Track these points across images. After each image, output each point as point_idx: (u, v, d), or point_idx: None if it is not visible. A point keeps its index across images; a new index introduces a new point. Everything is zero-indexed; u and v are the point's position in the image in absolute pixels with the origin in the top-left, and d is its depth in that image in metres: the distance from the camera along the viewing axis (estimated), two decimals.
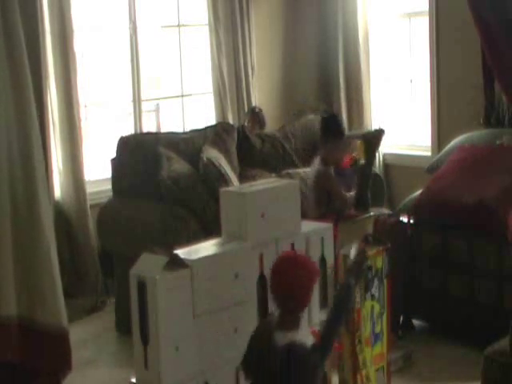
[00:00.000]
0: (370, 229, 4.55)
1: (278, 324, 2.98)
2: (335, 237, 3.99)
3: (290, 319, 2.97)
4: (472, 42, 5.63)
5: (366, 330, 3.83)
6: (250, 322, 3.55)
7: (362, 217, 4.71)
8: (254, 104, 6.56)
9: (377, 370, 3.97)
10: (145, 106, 6.34)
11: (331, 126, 4.93)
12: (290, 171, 5.52)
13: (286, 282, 2.97)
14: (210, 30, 6.37)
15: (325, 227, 3.93)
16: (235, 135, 5.82)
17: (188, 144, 5.47)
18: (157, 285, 3.17)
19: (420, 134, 6.77)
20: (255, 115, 6.32)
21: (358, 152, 4.94)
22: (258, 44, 6.63)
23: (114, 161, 5.41)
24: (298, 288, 2.96)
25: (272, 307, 3.27)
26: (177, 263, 3.27)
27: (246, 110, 6.49)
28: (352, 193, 4.79)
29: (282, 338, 2.91)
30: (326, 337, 2.96)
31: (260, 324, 3.22)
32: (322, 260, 3.81)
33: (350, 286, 3.11)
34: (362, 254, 3.47)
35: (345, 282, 3.17)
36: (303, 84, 7.00)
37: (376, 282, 3.92)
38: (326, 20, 6.95)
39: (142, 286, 3.22)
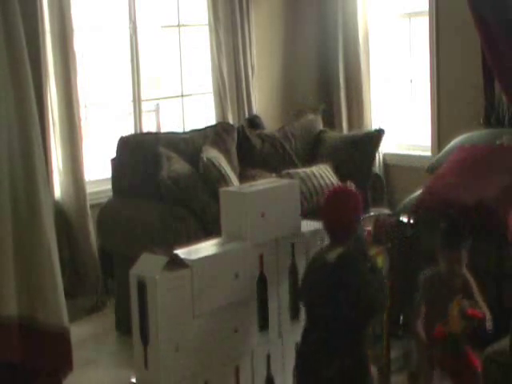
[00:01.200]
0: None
1: (328, 248, 3.40)
2: None
3: (339, 245, 3.37)
4: (472, 41, 5.63)
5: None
6: (250, 321, 3.56)
7: (362, 217, 4.71)
8: (253, 104, 6.57)
9: (377, 370, 3.97)
10: (145, 106, 6.33)
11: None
12: (290, 171, 5.52)
13: (336, 213, 3.42)
14: (210, 30, 6.37)
15: None
16: (235, 135, 5.83)
17: (188, 144, 5.47)
18: (157, 285, 3.17)
19: (420, 134, 6.77)
20: (251, 123, 6.30)
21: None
22: (257, 44, 6.63)
23: (114, 161, 5.41)
24: (346, 218, 3.41)
25: (272, 304, 3.62)
26: (177, 263, 3.27)
27: (247, 115, 6.51)
28: None
29: (333, 255, 3.34)
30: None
31: (313, 256, 3.55)
32: None
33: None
34: None
35: None
36: (303, 84, 7.00)
37: None
38: (326, 20, 6.95)
39: (141, 286, 3.22)
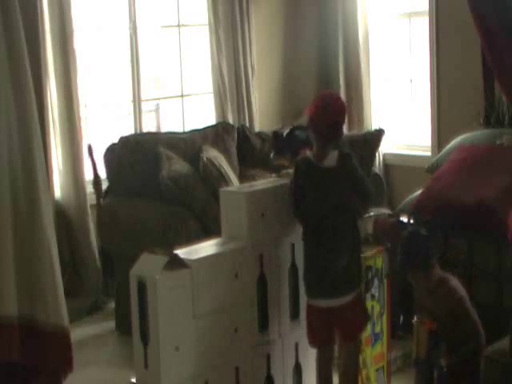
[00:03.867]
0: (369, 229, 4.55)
1: (319, 157, 3.58)
2: None
3: (328, 148, 3.57)
4: (472, 42, 5.63)
5: (366, 330, 3.83)
6: (250, 321, 3.55)
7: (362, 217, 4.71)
8: (253, 104, 6.57)
9: (377, 370, 3.98)
10: (145, 106, 6.33)
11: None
12: (290, 171, 5.51)
13: (334, 111, 3.59)
14: (210, 30, 6.37)
15: None
16: (235, 135, 5.83)
17: (188, 144, 5.47)
18: (157, 285, 3.17)
19: (420, 134, 6.76)
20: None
21: None
22: (257, 44, 6.63)
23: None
24: (342, 116, 3.64)
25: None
26: (177, 263, 3.27)
27: (247, 115, 6.51)
28: None
29: (330, 161, 3.56)
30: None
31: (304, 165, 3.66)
32: None
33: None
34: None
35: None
36: (303, 84, 7.00)
37: (376, 282, 3.93)
38: (326, 20, 6.95)
39: (142, 286, 3.22)
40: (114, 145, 5.42)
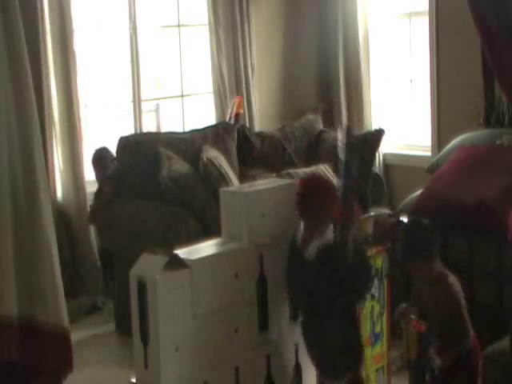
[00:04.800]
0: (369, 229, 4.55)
1: (304, 240, 3.42)
2: None
3: (313, 233, 3.39)
4: (472, 42, 5.63)
5: (365, 330, 3.83)
6: (250, 322, 3.55)
7: (362, 217, 4.70)
8: (253, 104, 6.57)
9: (377, 370, 3.97)
10: (145, 106, 6.34)
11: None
12: (290, 171, 5.52)
13: (308, 200, 3.44)
14: (210, 30, 6.37)
15: None
16: (235, 135, 5.83)
17: (188, 144, 5.47)
18: (157, 285, 3.17)
19: (420, 134, 6.77)
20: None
21: None
22: (257, 44, 6.63)
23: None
24: (326, 201, 3.42)
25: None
26: (177, 263, 3.27)
27: (247, 115, 6.51)
28: None
29: (311, 250, 3.35)
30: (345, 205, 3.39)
31: (290, 252, 3.52)
32: None
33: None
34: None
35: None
36: (303, 84, 7.00)
37: (376, 282, 3.92)
38: (326, 20, 6.95)
39: (142, 286, 3.22)
40: (102, 149, 5.46)
